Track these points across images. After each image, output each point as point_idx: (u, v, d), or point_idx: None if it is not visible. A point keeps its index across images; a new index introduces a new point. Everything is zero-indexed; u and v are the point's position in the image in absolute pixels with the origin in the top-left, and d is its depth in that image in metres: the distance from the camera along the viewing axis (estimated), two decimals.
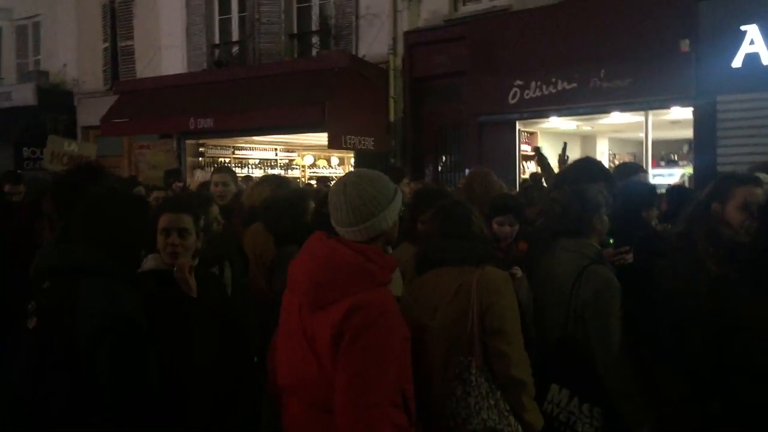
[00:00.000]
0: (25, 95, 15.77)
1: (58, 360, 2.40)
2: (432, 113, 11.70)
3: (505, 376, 2.70)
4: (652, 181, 6.45)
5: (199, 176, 7.68)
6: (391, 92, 11.82)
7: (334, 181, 3.11)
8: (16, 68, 17.25)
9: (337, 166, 15.96)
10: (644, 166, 8.17)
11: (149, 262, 2.94)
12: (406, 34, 11.65)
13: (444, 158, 11.86)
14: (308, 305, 2.34)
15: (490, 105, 10.54)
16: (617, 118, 10.08)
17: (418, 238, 3.40)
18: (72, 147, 9.97)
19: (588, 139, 12.63)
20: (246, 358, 3.10)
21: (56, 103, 15.94)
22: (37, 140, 15.47)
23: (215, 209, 4.03)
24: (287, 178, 5.39)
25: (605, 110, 9.82)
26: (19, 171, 8.20)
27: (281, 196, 4.08)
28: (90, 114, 15.30)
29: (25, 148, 15.23)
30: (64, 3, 16.17)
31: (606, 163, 9.55)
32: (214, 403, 2.84)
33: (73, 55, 16.14)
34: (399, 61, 11.77)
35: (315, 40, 12.91)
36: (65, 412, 2.38)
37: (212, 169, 13.22)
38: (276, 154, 15.12)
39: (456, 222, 3.00)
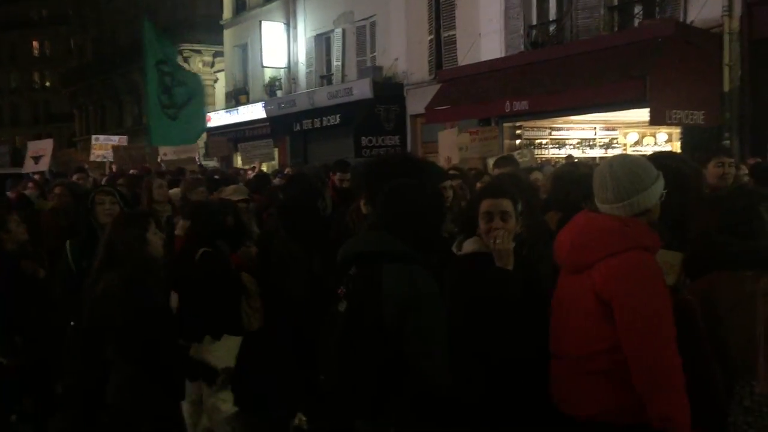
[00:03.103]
0: (363, 89, 17.49)
1: (368, 339, 2.65)
2: None
3: None
4: None
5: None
6: (726, 59, 10.53)
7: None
8: (356, 65, 19.22)
9: (665, 143, 14.76)
10: None
11: (470, 246, 3.01)
12: None
13: None
14: (567, 269, 2.56)
15: None
16: None
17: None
18: None
19: None
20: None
21: (388, 94, 17.42)
22: (373, 130, 17.13)
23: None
24: (583, 162, 5.14)
25: None
26: (347, 159, 9.05)
27: (568, 174, 3.93)
28: (417, 103, 16.40)
29: (363, 137, 16.94)
30: (395, 2, 17.51)
31: None
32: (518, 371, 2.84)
33: (402, 49, 17.43)
34: (735, 24, 10.42)
35: (638, 9, 12.08)
36: (376, 386, 2.63)
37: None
38: (595, 133, 14.53)
39: (736, 214, 2.60)
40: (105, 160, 12.41)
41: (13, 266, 4.73)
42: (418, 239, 2.77)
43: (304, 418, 4.51)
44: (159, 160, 11.27)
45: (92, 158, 12.91)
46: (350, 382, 2.71)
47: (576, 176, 4.02)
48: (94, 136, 13.61)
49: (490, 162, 7.40)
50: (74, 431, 4.70)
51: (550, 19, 13.66)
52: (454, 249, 3.05)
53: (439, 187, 3.46)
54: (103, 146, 12.48)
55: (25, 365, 4.75)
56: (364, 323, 2.66)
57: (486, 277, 2.79)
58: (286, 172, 12.14)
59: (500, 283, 2.76)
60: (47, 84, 61.63)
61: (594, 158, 13.39)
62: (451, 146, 10.44)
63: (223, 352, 4.33)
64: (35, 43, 62.78)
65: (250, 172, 12.33)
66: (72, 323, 4.52)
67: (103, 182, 7.99)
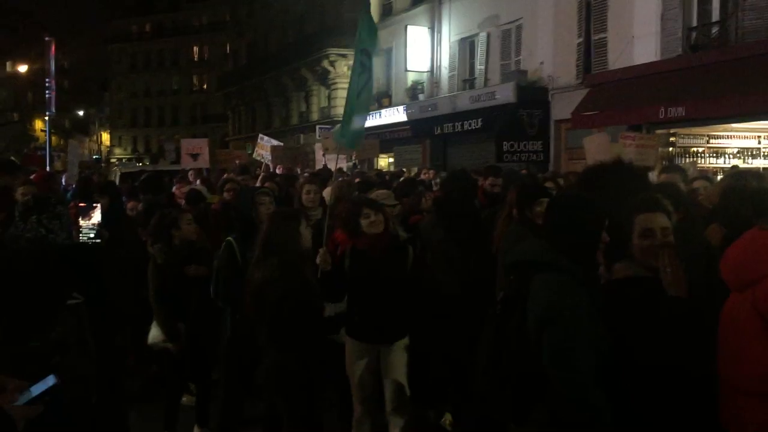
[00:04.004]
0: (506, 93, 17.28)
1: (514, 346, 2.70)
2: None
3: None
4: None
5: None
6: None
7: None
8: (500, 69, 19.03)
9: None
10: None
11: (624, 270, 2.80)
12: None
13: None
14: (732, 287, 2.46)
15: None
16: None
17: None
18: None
19: None
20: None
21: (532, 99, 17.09)
22: (515, 135, 16.88)
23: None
24: (754, 173, 4.77)
25: None
26: (498, 165, 8.93)
27: (738, 188, 3.64)
28: (563, 108, 15.99)
29: (505, 143, 16.72)
30: (543, 4, 17.15)
31: None
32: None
33: (549, 52, 17.05)
34: None
35: None
36: (521, 392, 2.64)
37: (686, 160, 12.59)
38: (759, 142, 13.49)
39: None
40: (263, 160, 13.14)
41: (179, 262, 5.10)
42: (577, 252, 2.71)
43: (450, 419, 4.53)
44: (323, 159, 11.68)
45: (254, 156, 13.74)
46: (497, 385, 2.74)
47: (747, 191, 3.75)
48: (260, 135, 14.46)
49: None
50: (230, 414, 4.99)
51: (713, 21, 12.84)
52: (601, 271, 2.91)
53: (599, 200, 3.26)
54: (265, 147, 13.22)
55: (189, 352, 5.09)
56: (511, 330, 2.70)
57: (661, 310, 2.60)
58: (422, 176, 12.22)
59: (680, 315, 2.56)
60: (204, 86, 65.99)
61: (760, 168, 12.43)
62: (604, 151, 9.76)
63: None
64: (195, 48, 67.40)
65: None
66: (237, 316, 4.80)
67: (258, 182, 8.40)
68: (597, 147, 9.83)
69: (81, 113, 76.67)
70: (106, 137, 78.04)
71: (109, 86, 74.33)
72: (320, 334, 4.05)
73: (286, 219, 4.15)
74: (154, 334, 5.12)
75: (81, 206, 4.05)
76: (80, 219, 3.92)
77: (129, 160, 60.36)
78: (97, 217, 4.00)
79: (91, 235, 3.96)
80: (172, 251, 5.14)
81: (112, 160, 59.84)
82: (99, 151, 73.61)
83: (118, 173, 16.75)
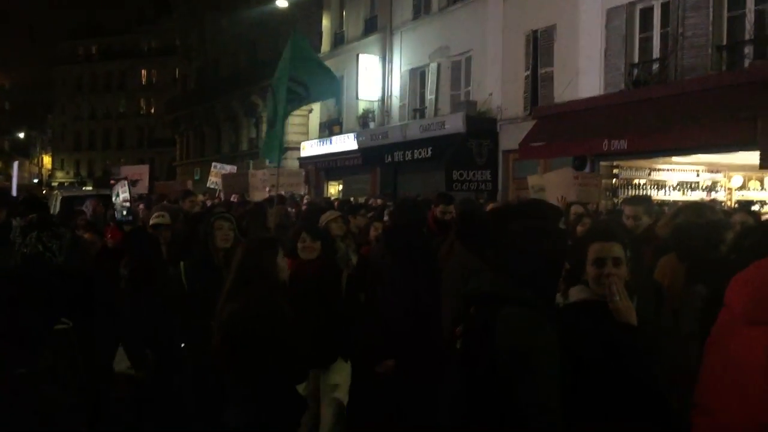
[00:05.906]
0: (456, 123, 17.53)
1: (481, 383, 2.61)
2: None
3: None
4: None
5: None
6: None
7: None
8: (449, 100, 19.33)
9: None
10: None
11: (578, 293, 2.86)
12: None
13: None
14: (744, 320, 2.36)
15: None
16: None
17: None
18: None
19: None
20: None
21: (481, 129, 17.38)
22: (465, 164, 17.11)
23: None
24: (708, 206, 4.93)
25: None
26: (449, 193, 9.00)
27: (696, 225, 3.76)
28: (510, 139, 16.30)
29: (454, 171, 16.91)
30: (492, 37, 17.56)
31: None
32: None
33: (497, 84, 17.41)
34: None
35: (748, 50, 11.63)
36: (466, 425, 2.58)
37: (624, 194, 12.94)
38: (698, 176, 14.01)
39: None
40: (216, 187, 13.00)
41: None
42: (541, 283, 2.67)
43: None
44: (268, 189, 11.58)
45: (208, 184, 13.59)
46: (467, 423, 2.66)
47: (702, 226, 3.85)
48: (213, 163, 14.33)
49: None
50: None
51: (653, 58, 13.34)
52: (558, 298, 2.92)
53: (562, 230, 3.30)
54: (218, 173, 13.11)
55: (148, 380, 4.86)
56: (478, 367, 2.61)
57: (609, 333, 2.63)
58: (370, 202, 12.28)
59: (628, 340, 2.61)
60: (152, 110, 65.07)
61: (720, 201, 12.73)
62: (567, 185, 9.82)
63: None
64: (143, 72, 66.53)
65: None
66: (182, 345, 4.64)
67: (215, 208, 8.27)
68: (559, 180, 9.90)
69: (22, 135, 74.62)
70: (47, 160, 75.99)
71: (52, 108, 72.61)
72: (295, 378, 3.70)
73: (264, 247, 3.76)
74: (119, 359, 4.90)
75: (111, 183, 3.93)
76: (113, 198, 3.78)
77: (71, 184, 58.81)
78: (125, 194, 3.85)
79: (125, 212, 3.81)
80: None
81: (54, 184, 58.19)
82: (40, 175, 71.58)
83: (59, 197, 16.27)
